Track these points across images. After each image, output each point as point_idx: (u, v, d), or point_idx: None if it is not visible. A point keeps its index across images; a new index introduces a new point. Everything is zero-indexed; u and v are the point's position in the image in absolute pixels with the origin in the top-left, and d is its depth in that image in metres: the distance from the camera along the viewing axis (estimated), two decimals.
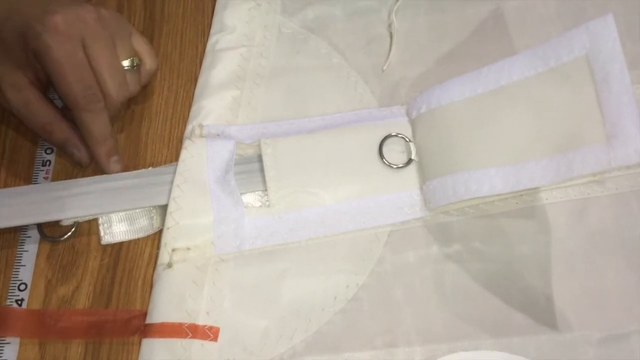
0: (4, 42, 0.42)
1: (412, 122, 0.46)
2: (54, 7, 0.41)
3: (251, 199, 0.44)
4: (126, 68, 0.44)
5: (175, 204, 0.42)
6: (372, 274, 0.42)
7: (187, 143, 0.45)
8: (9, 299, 0.42)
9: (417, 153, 0.44)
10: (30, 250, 0.44)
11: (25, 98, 0.42)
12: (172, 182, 0.43)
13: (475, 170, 0.40)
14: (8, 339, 0.41)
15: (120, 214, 0.44)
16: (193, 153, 0.44)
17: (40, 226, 0.44)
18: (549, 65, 0.40)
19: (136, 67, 0.45)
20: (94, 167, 0.46)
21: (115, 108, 0.44)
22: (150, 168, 0.46)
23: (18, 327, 0.40)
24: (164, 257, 0.42)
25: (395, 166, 0.44)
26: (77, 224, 0.44)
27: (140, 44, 0.46)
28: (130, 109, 0.49)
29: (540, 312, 0.40)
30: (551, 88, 0.39)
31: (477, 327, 0.40)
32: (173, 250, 0.42)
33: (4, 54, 0.42)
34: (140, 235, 0.44)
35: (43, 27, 0.40)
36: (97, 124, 0.43)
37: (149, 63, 0.46)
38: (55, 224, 0.44)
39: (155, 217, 0.44)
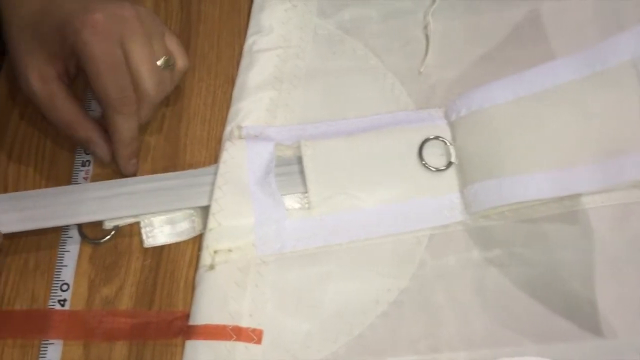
0: (40, 33, 0.42)
1: (452, 125, 0.46)
2: (94, 5, 0.41)
3: (291, 201, 0.44)
4: (161, 67, 0.44)
5: (218, 206, 0.42)
6: (413, 278, 0.42)
7: (227, 145, 0.45)
8: (52, 299, 0.42)
9: (457, 156, 0.44)
10: (72, 251, 0.44)
11: (51, 91, 0.42)
12: (212, 183, 0.44)
13: (520, 174, 0.40)
14: (51, 340, 0.41)
15: (162, 217, 0.44)
16: (233, 154, 0.44)
17: (80, 227, 0.44)
18: (595, 69, 0.40)
19: (171, 66, 0.45)
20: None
21: (153, 106, 0.45)
22: (189, 170, 0.46)
23: (62, 328, 0.41)
24: (206, 258, 0.42)
25: (435, 169, 0.44)
26: (117, 227, 0.44)
27: (173, 43, 0.46)
28: (169, 110, 0.49)
29: (584, 318, 0.40)
30: (597, 92, 0.39)
31: (520, 333, 0.40)
32: (215, 251, 0.42)
33: (39, 46, 0.42)
34: (182, 238, 0.44)
35: (83, 24, 0.40)
36: (127, 126, 0.43)
37: (181, 62, 0.46)
38: (96, 225, 0.44)
39: (196, 220, 0.44)
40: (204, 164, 0.47)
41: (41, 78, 0.42)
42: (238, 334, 0.40)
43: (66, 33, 0.41)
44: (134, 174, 0.45)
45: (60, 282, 0.43)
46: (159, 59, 0.43)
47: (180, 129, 0.48)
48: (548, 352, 0.39)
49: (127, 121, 0.43)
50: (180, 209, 0.44)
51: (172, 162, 0.47)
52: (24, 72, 0.42)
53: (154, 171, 0.46)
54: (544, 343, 0.40)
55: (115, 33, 0.41)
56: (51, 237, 0.44)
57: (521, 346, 0.40)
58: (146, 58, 0.42)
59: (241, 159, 0.44)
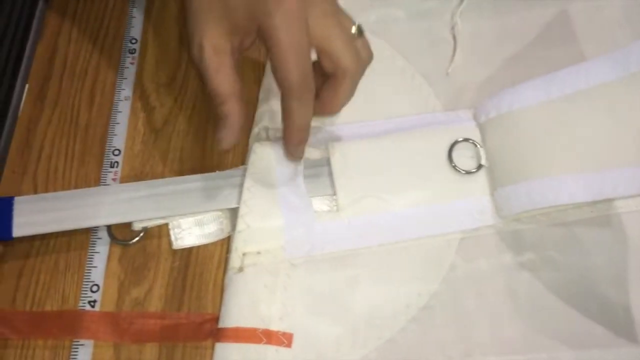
0: (227, 5, 0.40)
1: (481, 127, 0.45)
2: None
3: (319, 203, 0.44)
4: (355, 35, 0.42)
5: (246, 207, 0.42)
6: (444, 282, 0.41)
7: (255, 146, 0.45)
8: (82, 300, 0.42)
9: (487, 158, 0.44)
10: (101, 252, 0.44)
11: (220, 64, 0.40)
12: (241, 185, 0.44)
13: (552, 177, 0.40)
14: (82, 341, 0.41)
15: (190, 219, 0.44)
16: (262, 156, 0.44)
17: (109, 228, 0.44)
18: (629, 70, 0.39)
19: (362, 32, 0.42)
20: (162, 170, 0.46)
21: (354, 84, 0.43)
22: (216, 172, 0.46)
23: (92, 329, 0.41)
24: (235, 261, 0.42)
25: (465, 171, 0.44)
26: (146, 229, 0.44)
27: None
28: (196, 111, 0.49)
29: (619, 323, 0.40)
30: (633, 94, 0.38)
31: (554, 338, 0.39)
32: (244, 254, 0.42)
33: (222, 17, 0.40)
34: (211, 240, 0.44)
35: (277, 6, 0.38)
36: (303, 112, 0.40)
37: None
38: (125, 227, 0.44)
39: (224, 221, 0.44)
40: (230, 166, 0.47)
41: (215, 50, 0.40)
42: (268, 337, 0.40)
43: (257, 12, 0.39)
44: (300, 159, 0.44)
45: (90, 283, 0.43)
46: (349, 29, 0.41)
47: (208, 131, 0.48)
48: (583, 358, 0.39)
49: (303, 107, 0.40)
50: (208, 211, 0.44)
51: (200, 164, 0.47)
52: (199, 40, 0.40)
53: (181, 172, 0.46)
54: (579, 349, 0.39)
55: (305, 15, 0.39)
56: (81, 238, 0.44)
57: (556, 352, 0.39)
58: (340, 34, 0.40)
59: (269, 160, 0.44)
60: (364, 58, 0.42)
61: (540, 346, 0.39)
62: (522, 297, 0.41)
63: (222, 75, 0.40)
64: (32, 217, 0.43)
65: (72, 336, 0.41)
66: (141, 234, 0.44)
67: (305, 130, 0.42)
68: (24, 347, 0.41)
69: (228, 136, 0.40)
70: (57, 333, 0.41)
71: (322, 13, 0.40)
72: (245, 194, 0.43)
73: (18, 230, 0.42)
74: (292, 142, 0.42)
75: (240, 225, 0.42)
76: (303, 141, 0.42)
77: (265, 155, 0.44)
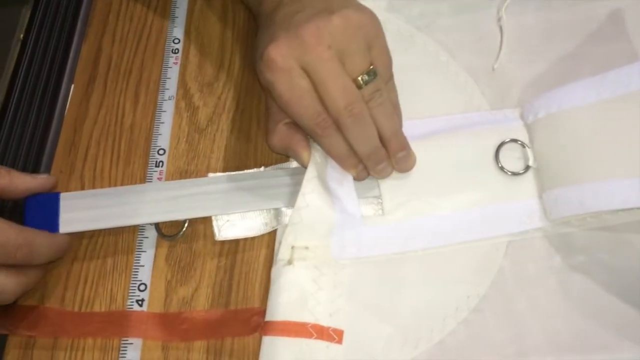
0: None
1: (529, 127, 0.44)
2: (276, 34, 0.41)
3: (364, 207, 0.44)
4: (361, 82, 0.41)
5: (304, 201, 0.42)
6: (493, 285, 0.41)
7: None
8: (130, 299, 0.43)
9: (535, 159, 0.43)
10: (148, 252, 0.45)
11: (302, 92, 0.41)
12: (287, 185, 0.44)
13: (605, 181, 0.39)
14: (131, 340, 0.42)
15: (237, 213, 0.44)
16: (321, 153, 0.44)
17: (157, 224, 0.45)
18: None
19: (371, 79, 0.41)
20: (206, 169, 0.47)
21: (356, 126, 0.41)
22: (262, 168, 0.46)
23: (142, 329, 0.41)
24: (284, 253, 0.42)
25: (512, 173, 0.43)
26: (188, 220, 0.44)
27: (377, 53, 0.42)
28: (238, 110, 0.49)
29: None
30: None
31: (612, 338, 0.39)
32: (292, 247, 0.42)
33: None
34: (254, 233, 0.44)
35: (264, 63, 0.41)
36: (335, 145, 0.42)
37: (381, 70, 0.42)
38: (171, 222, 0.45)
39: (268, 216, 0.44)
40: (274, 163, 0.47)
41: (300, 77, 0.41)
42: (319, 332, 0.39)
43: (258, 74, 0.42)
44: (384, 177, 0.43)
45: (138, 282, 0.44)
46: (355, 74, 0.41)
47: (252, 129, 0.48)
48: None
49: (332, 140, 0.41)
50: (254, 210, 0.44)
51: (244, 163, 0.47)
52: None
53: (225, 171, 0.47)
54: (638, 350, 0.38)
55: (295, 64, 0.40)
56: (128, 238, 0.45)
57: (614, 353, 0.39)
58: (332, 76, 0.40)
59: (325, 157, 0.44)
60: (360, 104, 0.41)
61: (598, 346, 0.39)
62: (576, 299, 0.40)
63: (305, 102, 0.41)
64: (78, 213, 0.43)
65: (122, 335, 0.41)
66: (185, 225, 0.44)
67: (350, 157, 0.42)
68: (73, 347, 0.42)
69: (300, 162, 0.44)
70: (108, 332, 0.41)
71: (315, 59, 0.40)
72: (306, 186, 0.42)
73: (64, 227, 0.43)
74: (348, 169, 0.43)
75: (295, 218, 0.42)
76: (356, 164, 0.42)
77: (324, 155, 0.44)
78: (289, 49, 0.40)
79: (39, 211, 0.43)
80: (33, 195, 0.43)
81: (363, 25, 0.41)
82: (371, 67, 0.41)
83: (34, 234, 0.40)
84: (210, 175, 0.46)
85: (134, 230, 0.45)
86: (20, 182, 0.42)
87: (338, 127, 0.41)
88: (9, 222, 0.39)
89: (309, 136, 0.43)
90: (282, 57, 0.40)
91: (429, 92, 0.48)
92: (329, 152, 0.42)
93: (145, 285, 0.43)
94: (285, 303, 0.40)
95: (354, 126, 0.40)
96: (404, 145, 0.42)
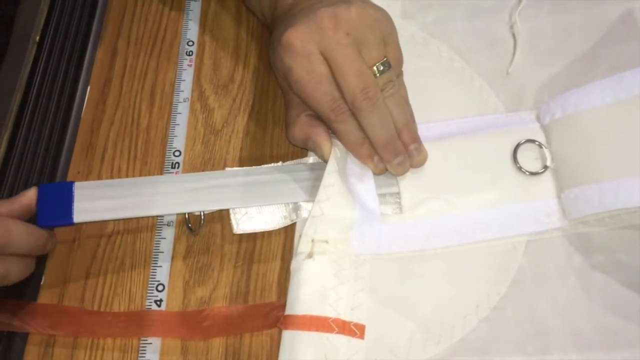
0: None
1: (545, 128, 0.45)
2: (293, 21, 0.41)
3: (383, 205, 0.44)
4: (376, 72, 0.41)
5: (325, 194, 0.42)
6: (513, 284, 0.41)
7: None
8: (149, 299, 0.43)
9: (553, 160, 0.43)
10: (165, 252, 0.45)
11: (320, 77, 0.41)
12: (308, 179, 0.44)
13: (623, 179, 0.39)
14: (150, 340, 0.41)
15: (255, 206, 0.44)
16: (341, 148, 0.44)
17: (187, 217, 0.44)
18: None
19: (385, 69, 0.42)
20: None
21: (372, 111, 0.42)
22: (280, 163, 0.46)
23: (163, 328, 0.41)
24: (304, 246, 0.41)
25: (530, 173, 0.43)
26: (203, 213, 0.44)
27: (390, 47, 0.43)
28: (254, 112, 0.49)
29: None
30: None
31: (635, 335, 0.39)
32: (312, 240, 0.42)
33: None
34: (272, 227, 0.44)
35: (282, 48, 0.41)
36: (349, 131, 0.42)
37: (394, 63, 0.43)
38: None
39: (286, 209, 0.44)
40: (290, 159, 0.47)
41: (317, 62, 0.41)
42: (341, 327, 0.39)
43: (274, 60, 0.43)
44: (401, 173, 0.43)
45: (156, 283, 0.44)
46: (370, 63, 0.41)
47: (267, 131, 0.48)
48: None
49: (347, 127, 0.42)
50: (271, 204, 0.44)
51: (259, 164, 0.47)
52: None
53: (242, 164, 0.47)
54: None
55: (314, 48, 0.40)
56: (146, 238, 0.45)
57: (638, 350, 0.39)
58: (350, 65, 0.40)
59: (346, 151, 0.44)
60: (376, 90, 0.41)
61: (622, 344, 0.39)
62: (597, 297, 0.40)
63: (322, 88, 0.41)
64: (92, 203, 0.42)
65: (144, 335, 0.41)
66: (202, 219, 0.44)
67: (364, 144, 0.42)
68: (93, 347, 0.42)
69: (320, 156, 0.44)
70: (129, 332, 0.41)
71: (333, 44, 0.40)
72: (327, 179, 0.42)
73: (78, 216, 0.42)
74: (362, 157, 0.43)
75: (316, 210, 0.42)
76: (371, 153, 0.42)
77: (344, 149, 0.44)
78: (308, 33, 0.40)
79: (51, 200, 0.42)
80: (46, 184, 0.43)
81: (379, 20, 0.42)
82: (385, 58, 0.41)
83: (11, 222, 0.39)
84: (228, 169, 0.46)
85: (152, 231, 0.45)
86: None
87: (353, 112, 0.41)
88: None
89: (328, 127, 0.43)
90: (301, 41, 0.40)
91: (443, 97, 0.48)
92: (343, 140, 0.42)
93: (164, 285, 0.43)
94: (305, 297, 0.40)
95: (369, 111, 0.41)
96: (416, 138, 0.43)
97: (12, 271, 0.39)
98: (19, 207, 0.41)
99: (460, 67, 0.49)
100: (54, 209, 0.42)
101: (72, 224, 0.42)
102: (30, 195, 0.42)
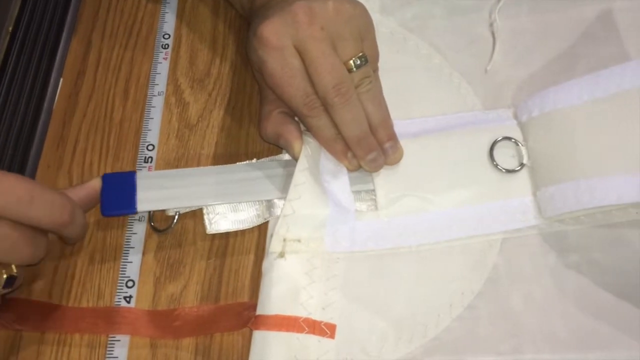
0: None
1: (523, 126, 0.45)
2: (269, 14, 0.41)
3: (358, 203, 0.43)
4: (352, 67, 0.41)
5: (296, 193, 0.42)
6: (488, 282, 0.41)
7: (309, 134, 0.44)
8: (118, 295, 0.42)
9: (530, 157, 0.43)
10: (136, 247, 0.44)
11: (293, 71, 0.40)
12: (279, 175, 0.43)
13: (600, 177, 0.39)
14: (118, 337, 0.41)
15: (226, 205, 0.43)
16: (314, 145, 0.43)
17: (151, 216, 0.44)
18: None
19: (361, 65, 0.41)
20: (197, 166, 0.46)
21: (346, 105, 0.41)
22: (254, 160, 0.45)
23: (134, 325, 0.41)
24: (276, 245, 0.41)
25: (506, 170, 0.43)
26: (178, 214, 0.44)
27: (369, 47, 0.43)
28: (229, 106, 0.48)
29: None
30: None
31: (609, 336, 0.39)
32: (284, 240, 0.41)
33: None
34: (246, 226, 0.43)
35: (257, 40, 0.41)
36: (322, 127, 0.41)
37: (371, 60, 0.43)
38: (161, 216, 0.44)
39: (260, 207, 0.43)
40: (264, 156, 0.46)
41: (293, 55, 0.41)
42: (311, 326, 0.39)
43: (248, 53, 0.43)
44: (375, 170, 0.43)
45: (126, 279, 0.43)
46: (346, 57, 0.41)
47: (243, 126, 0.48)
48: (638, 356, 0.38)
49: (319, 121, 0.41)
50: (247, 201, 0.43)
51: (234, 159, 0.46)
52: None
53: (216, 160, 0.46)
54: (635, 349, 0.38)
55: (288, 42, 0.40)
56: (116, 234, 0.44)
57: (610, 350, 0.38)
58: (323, 56, 0.40)
59: (319, 149, 0.43)
60: (349, 87, 0.40)
61: (594, 344, 0.39)
62: (572, 296, 0.40)
63: (295, 82, 0.41)
64: (154, 192, 0.42)
65: (113, 332, 0.41)
66: (175, 219, 0.44)
67: (337, 141, 0.42)
68: (60, 343, 0.41)
69: (291, 154, 0.44)
70: (98, 329, 0.41)
71: (307, 37, 0.40)
72: (298, 177, 0.42)
73: (142, 205, 0.42)
74: (336, 154, 0.43)
75: (287, 209, 0.41)
76: (345, 150, 0.42)
77: (317, 147, 0.43)
78: (282, 26, 0.40)
79: (115, 189, 0.42)
80: (110, 173, 0.43)
81: (356, 15, 0.42)
82: (362, 53, 0.41)
83: (77, 207, 0.39)
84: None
85: (123, 226, 0.44)
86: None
87: (326, 108, 0.41)
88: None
89: (300, 124, 0.43)
90: (275, 34, 0.40)
91: (421, 94, 0.48)
92: (316, 136, 0.42)
93: (134, 281, 0.43)
94: (276, 297, 0.39)
95: (341, 107, 0.40)
96: (392, 135, 0.42)
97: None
98: (85, 195, 0.41)
99: (439, 64, 0.49)
100: (118, 199, 0.42)
101: (136, 212, 0.42)
102: (95, 184, 0.42)
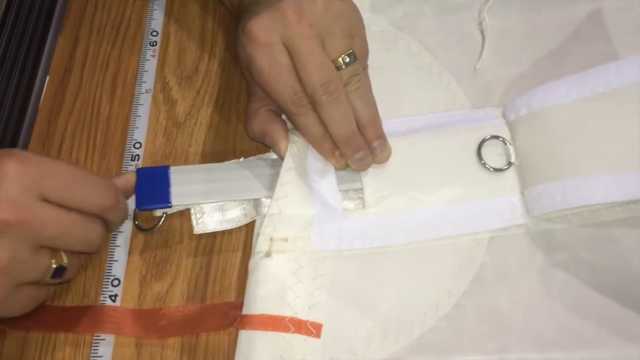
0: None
1: (511, 125, 0.44)
2: (258, 10, 0.41)
3: (345, 201, 0.43)
4: (341, 65, 0.41)
5: (282, 192, 0.41)
6: (475, 281, 0.41)
7: (296, 132, 0.43)
8: (103, 294, 0.42)
9: (518, 156, 0.43)
10: (122, 246, 0.43)
11: (282, 68, 0.40)
12: (269, 175, 0.43)
13: (586, 176, 0.39)
14: (103, 336, 0.40)
15: (213, 204, 0.43)
16: (301, 145, 0.43)
17: (136, 216, 0.43)
18: None
19: (350, 62, 0.41)
20: (184, 164, 0.45)
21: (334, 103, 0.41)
22: (242, 159, 0.45)
23: (119, 325, 0.40)
24: (262, 245, 0.41)
25: (494, 169, 0.43)
26: (165, 215, 0.43)
27: (359, 44, 0.43)
28: (217, 104, 0.48)
29: None
30: None
31: (594, 335, 0.39)
32: (271, 239, 0.41)
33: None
34: (233, 225, 0.43)
35: (245, 37, 0.40)
36: (310, 125, 0.41)
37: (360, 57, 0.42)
38: (147, 215, 0.44)
39: (247, 207, 0.43)
40: (253, 154, 0.46)
41: (281, 52, 0.41)
42: (297, 326, 0.39)
43: (237, 49, 0.42)
44: (362, 169, 0.42)
45: (112, 278, 0.42)
46: (335, 55, 0.40)
47: (230, 124, 0.48)
48: (623, 355, 0.38)
49: (307, 119, 0.41)
50: (233, 200, 0.43)
51: (222, 158, 0.46)
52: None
53: (204, 158, 0.46)
54: (619, 347, 0.38)
55: (276, 39, 0.40)
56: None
57: (596, 349, 0.38)
58: (311, 53, 0.39)
59: (306, 147, 0.43)
60: (337, 84, 0.40)
61: (580, 344, 0.39)
62: (558, 295, 0.40)
63: (283, 78, 0.41)
64: (187, 186, 0.42)
65: (98, 331, 0.40)
66: (162, 220, 0.43)
67: (325, 139, 0.42)
68: (44, 341, 0.40)
69: (276, 152, 0.44)
70: (83, 328, 0.40)
71: (296, 35, 0.40)
72: (285, 177, 0.42)
73: (176, 199, 0.42)
74: (324, 152, 0.42)
75: (273, 209, 0.41)
76: (333, 148, 0.42)
77: (303, 142, 0.43)
78: (271, 23, 0.40)
79: (149, 184, 0.42)
80: (144, 168, 0.43)
81: (346, 12, 0.41)
82: (351, 50, 0.41)
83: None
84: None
85: None
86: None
87: (314, 106, 0.40)
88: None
89: (288, 122, 0.43)
90: (263, 31, 0.40)
91: (411, 92, 0.48)
92: (304, 134, 0.42)
93: (119, 280, 0.42)
94: (263, 296, 0.39)
95: (329, 105, 0.40)
96: (380, 134, 0.42)
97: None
98: (122, 186, 0.41)
99: (429, 62, 0.49)
100: (153, 193, 0.42)
101: (170, 206, 0.42)
102: (130, 178, 0.42)
